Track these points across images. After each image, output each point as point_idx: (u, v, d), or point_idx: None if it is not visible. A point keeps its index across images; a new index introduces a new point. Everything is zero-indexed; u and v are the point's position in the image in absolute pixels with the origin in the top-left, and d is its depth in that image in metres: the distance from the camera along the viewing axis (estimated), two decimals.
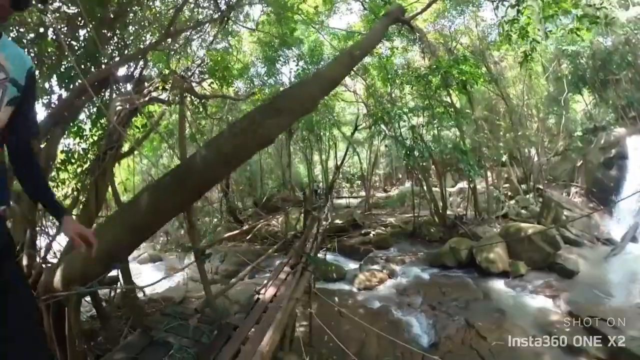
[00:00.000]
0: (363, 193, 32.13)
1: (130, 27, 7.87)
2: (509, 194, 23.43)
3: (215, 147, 3.96)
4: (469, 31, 20.95)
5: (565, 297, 8.66)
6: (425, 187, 19.34)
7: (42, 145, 5.34)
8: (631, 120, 17.40)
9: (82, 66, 6.11)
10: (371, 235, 18.16)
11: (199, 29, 10.69)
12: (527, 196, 21.88)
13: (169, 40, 8.80)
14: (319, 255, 9.36)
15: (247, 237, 17.56)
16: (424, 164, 19.18)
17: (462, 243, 13.04)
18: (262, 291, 5.56)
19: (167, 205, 3.69)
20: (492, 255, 11.10)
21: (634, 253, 11.91)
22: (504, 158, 22.76)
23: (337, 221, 18.47)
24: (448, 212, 18.78)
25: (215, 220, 17.40)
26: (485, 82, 17.31)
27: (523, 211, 20.36)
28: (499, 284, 10.34)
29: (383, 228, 19.27)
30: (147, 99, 7.11)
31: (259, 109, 4.76)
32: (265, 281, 6.26)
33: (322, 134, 23.15)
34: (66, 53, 4.90)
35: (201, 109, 10.93)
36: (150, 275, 13.30)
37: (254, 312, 4.70)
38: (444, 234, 17.08)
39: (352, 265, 13.76)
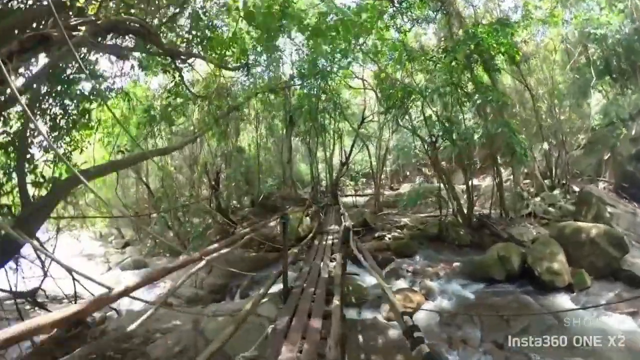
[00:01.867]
0: (369, 191, 29.88)
1: None
2: (532, 190, 21.23)
3: None
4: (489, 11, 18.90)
5: None
6: (445, 184, 16.91)
7: None
8: None
9: None
10: (387, 239, 15.86)
11: None
12: (554, 192, 19.82)
13: None
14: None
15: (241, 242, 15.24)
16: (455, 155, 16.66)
17: (511, 250, 10.67)
18: None
19: None
20: (557, 266, 9.06)
21: None
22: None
23: (347, 223, 16.05)
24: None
25: (202, 221, 14.89)
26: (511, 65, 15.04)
27: (551, 209, 18.30)
28: (564, 301, 8.42)
29: (399, 230, 16.95)
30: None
31: None
32: None
33: (327, 123, 20.64)
34: None
35: (176, 77, 8.34)
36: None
37: None
38: (473, 237, 14.84)
39: (372, 279, 11.31)
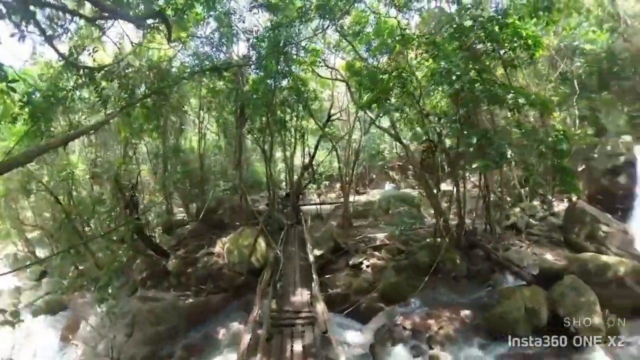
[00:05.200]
0: (332, 195, 26.96)
1: None
2: (508, 199, 19.77)
3: None
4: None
5: None
6: (429, 194, 14.30)
7: None
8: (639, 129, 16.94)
9: None
10: (364, 266, 12.93)
11: None
12: (534, 203, 18.56)
13: None
14: None
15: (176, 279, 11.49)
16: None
17: (539, 298, 8.63)
18: None
19: None
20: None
21: None
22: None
23: (316, 251, 12.89)
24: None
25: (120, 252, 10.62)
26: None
27: (533, 221, 16.88)
28: (602, 357, 7.29)
29: (377, 253, 14.09)
30: None
31: None
32: None
33: (287, 119, 17.10)
34: None
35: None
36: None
37: None
38: (469, 264, 12.43)
39: (353, 336, 8.46)
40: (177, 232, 16.52)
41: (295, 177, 20.24)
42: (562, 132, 9.24)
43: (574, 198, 17.68)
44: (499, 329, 8.29)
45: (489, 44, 9.74)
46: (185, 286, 11.85)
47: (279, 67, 12.05)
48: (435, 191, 15.09)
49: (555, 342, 7.69)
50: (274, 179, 20.18)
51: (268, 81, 12.87)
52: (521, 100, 9.27)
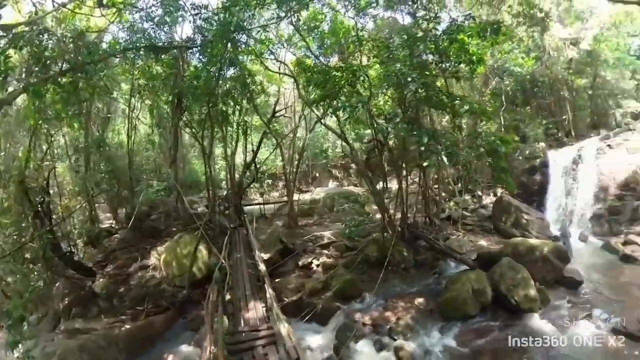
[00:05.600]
0: (275, 194, 26.18)
1: None
2: (443, 195, 21.20)
3: None
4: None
5: (600, 315, 8.27)
6: (375, 191, 14.54)
7: None
8: (551, 138, 20.47)
9: None
10: (314, 266, 12.61)
11: None
12: (466, 197, 20.17)
13: None
14: None
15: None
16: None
17: (483, 280, 9.41)
18: None
19: None
20: (532, 292, 8.87)
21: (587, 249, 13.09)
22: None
23: (263, 255, 12.13)
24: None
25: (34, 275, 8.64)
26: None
27: (466, 213, 18.36)
28: (539, 324, 8.33)
29: (326, 252, 13.84)
30: None
31: None
32: None
33: (230, 112, 15.55)
34: None
35: None
36: None
37: None
38: (412, 254, 12.84)
39: (315, 339, 8.15)
40: (104, 244, 14.25)
41: (237, 176, 19.04)
42: (500, 137, 10.09)
43: (499, 193, 19.88)
44: (452, 311, 8.84)
45: (437, 56, 10.23)
46: (119, 310, 10.06)
47: (225, 54, 10.89)
48: (383, 187, 15.50)
49: (501, 316, 8.67)
50: (214, 178, 18.75)
51: (212, 68, 11.58)
52: (466, 107, 10.05)
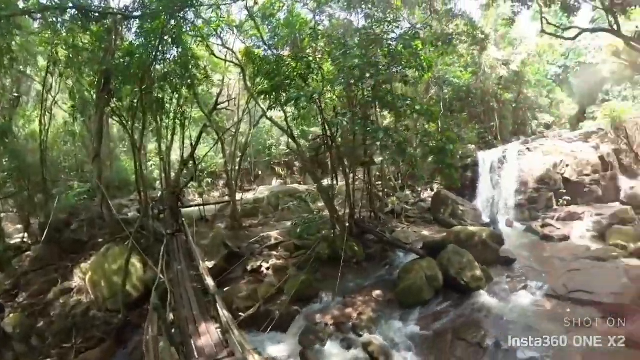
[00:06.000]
0: (216, 194, 24.54)
1: None
2: (385, 190, 22.08)
3: None
4: None
5: (534, 285, 9.73)
6: (318, 187, 14.45)
7: None
8: (482, 141, 23.22)
9: None
10: (264, 270, 11.78)
11: None
12: (406, 193, 21.18)
13: None
14: None
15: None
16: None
17: (434, 267, 10.00)
18: None
19: None
20: (478, 273, 9.81)
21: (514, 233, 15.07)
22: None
23: (207, 263, 10.97)
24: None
25: None
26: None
27: (407, 207, 19.32)
28: (487, 299, 9.31)
29: (275, 253, 13.13)
30: None
31: None
32: None
33: (169, 101, 13.94)
34: None
35: None
36: None
37: None
38: (363, 248, 12.94)
39: (278, 349, 7.66)
40: (14, 266, 11.40)
41: (173, 174, 17.28)
42: (447, 137, 10.64)
43: (436, 188, 21.35)
44: (409, 299, 9.22)
45: (389, 58, 10.39)
46: (42, 351, 8.00)
47: (168, 31, 9.48)
48: (331, 185, 15.40)
49: (453, 297, 9.39)
50: (147, 177, 16.76)
51: (150, 45, 10.08)
52: (417, 108, 10.51)
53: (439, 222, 16.63)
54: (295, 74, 10.11)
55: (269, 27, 12.61)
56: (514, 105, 24.72)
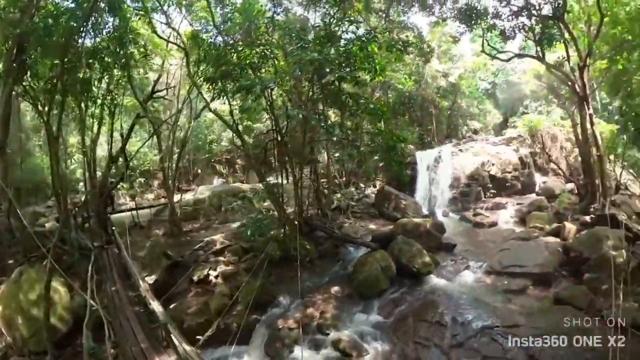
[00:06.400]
0: (150, 196, 22.32)
1: None
2: (330, 187, 22.44)
3: None
4: None
5: (475, 264, 11.20)
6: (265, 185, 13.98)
7: None
8: (420, 142, 25.94)
9: None
10: (212, 278, 10.38)
11: None
12: (350, 189, 21.72)
13: None
14: None
15: None
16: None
17: (387, 258, 10.55)
18: None
19: None
20: (427, 259, 10.65)
21: (450, 222, 16.63)
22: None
23: (147, 279, 9.55)
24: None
25: None
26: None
27: (352, 203, 19.84)
28: (437, 281, 10.28)
29: (222, 258, 12.08)
30: None
31: None
32: None
33: (97, 83, 11.71)
34: None
35: None
36: None
37: None
38: (313, 246, 12.82)
39: None
40: None
41: (100, 173, 15.12)
42: (398, 136, 11.16)
43: (378, 184, 22.35)
44: (368, 290, 9.60)
45: (343, 58, 10.34)
46: None
47: None
48: (279, 183, 14.97)
49: (406, 283, 10.10)
50: (67, 176, 14.36)
51: (80, 9, 8.15)
52: (371, 106, 10.92)
53: (383, 216, 17.64)
54: (247, 62, 9.57)
55: (222, 11, 11.78)
56: (449, 112, 28.41)
